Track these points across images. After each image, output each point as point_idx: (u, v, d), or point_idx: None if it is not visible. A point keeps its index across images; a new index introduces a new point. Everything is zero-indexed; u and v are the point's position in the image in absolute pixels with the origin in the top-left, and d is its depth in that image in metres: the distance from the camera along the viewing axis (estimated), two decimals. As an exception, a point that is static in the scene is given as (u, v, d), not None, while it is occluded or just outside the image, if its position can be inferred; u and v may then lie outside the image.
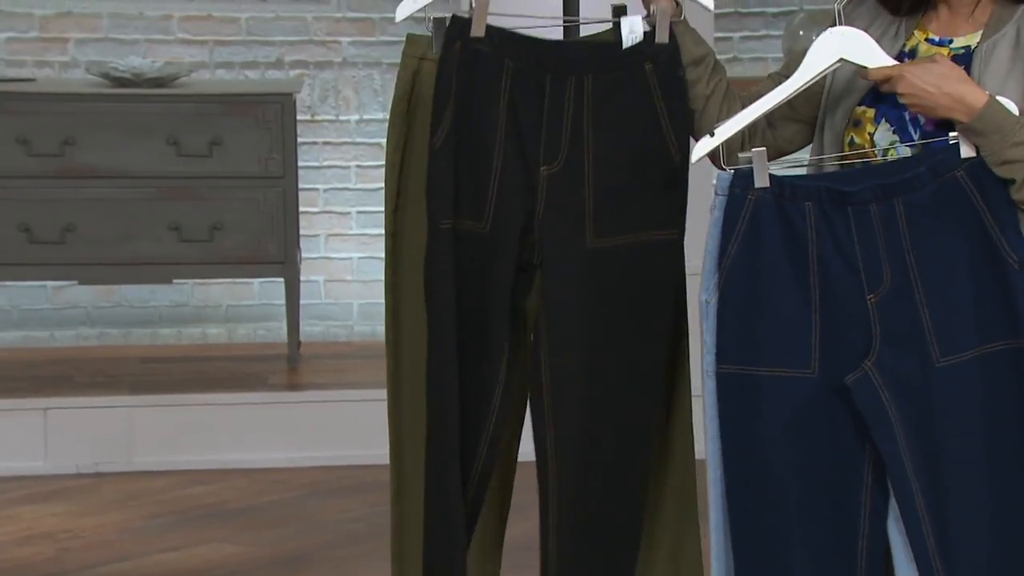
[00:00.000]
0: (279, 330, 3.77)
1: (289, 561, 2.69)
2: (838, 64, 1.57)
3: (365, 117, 3.94)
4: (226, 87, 3.71)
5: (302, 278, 3.58)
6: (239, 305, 3.91)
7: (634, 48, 1.62)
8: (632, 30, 1.62)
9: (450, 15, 1.65)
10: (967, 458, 1.51)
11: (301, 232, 3.58)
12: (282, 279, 3.50)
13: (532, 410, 1.69)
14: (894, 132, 1.59)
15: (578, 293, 1.60)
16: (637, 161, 1.61)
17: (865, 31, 1.59)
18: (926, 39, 1.63)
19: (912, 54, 1.63)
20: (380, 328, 3.90)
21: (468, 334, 1.64)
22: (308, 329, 3.78)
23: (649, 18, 1.63)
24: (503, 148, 1.61)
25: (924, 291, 1.52)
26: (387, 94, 3.84)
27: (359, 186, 3.93)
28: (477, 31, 1.62)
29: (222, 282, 3.82)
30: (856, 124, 1.63)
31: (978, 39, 1.60)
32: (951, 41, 1.62)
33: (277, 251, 3.43)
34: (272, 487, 3.10)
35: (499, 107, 1.61)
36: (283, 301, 3.55)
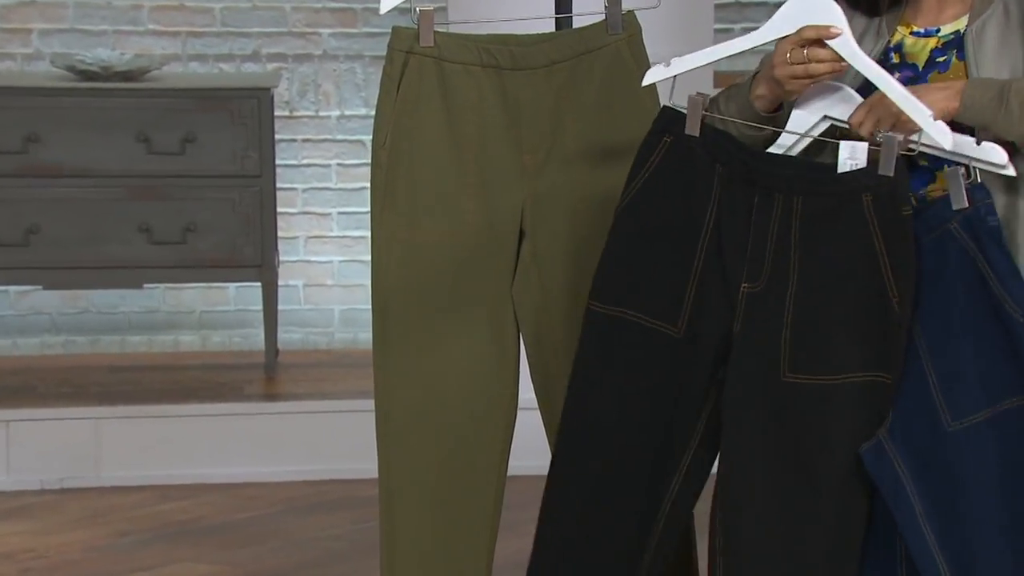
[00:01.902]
0: (256, 337, 3.77)
1: (267, 581, 2.73)
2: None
3: (347, 113, 3.95)
4: (199, 81, 3.72)
5: (280, 283, 3.58)
6: (213, 311, 3.92)
7: (852, 174, 1.58)
8: (853, 155, 1.58)
9: (431, 7, 1.66)
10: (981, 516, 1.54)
11: (279, 234, 3.58)
12: (259, 283, 3.49)
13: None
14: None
15: (762, 427, 1.57)
16: (848, 299, 1.57)
17: None
18: (911, 32, 1.69)
19: (898, 49, 1.68)
20: (362, 335, 3.96)
21: (641, 443, 1.63)
22: (286, 336, 3.79)
23: (875, 145, 1.58)
24: (703, 254, 1.61)
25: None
26: (370, 89, 3.86)
27: (340, 186, 3.94)
28: (692, 130, 1.62)
29: (195, 287, 3.83)
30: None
31: (965, 23, 1.66)
32: (938, 30, 1.68)
33: (253, 254, 3.43)
34: (248, 503, 3.10)
35: (708, 212, 1.61)
36: (260, 307, 3.56)
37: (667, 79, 1.64)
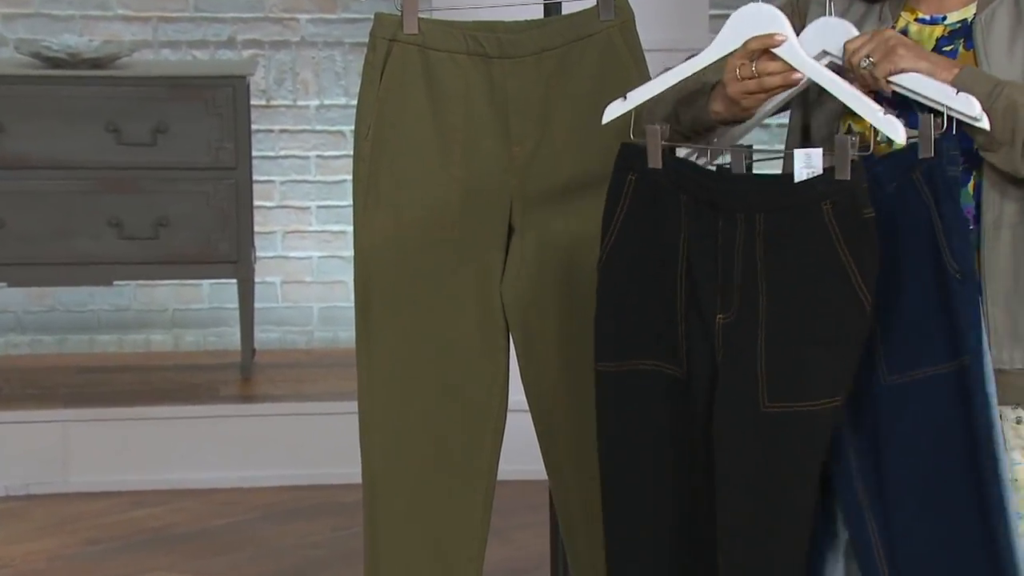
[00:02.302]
0: (231, 337, 3.76)
1: (243, 591, 2.71)
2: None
3: (326, 102, 3.93)
4: (172, 68, 3.70)
5: (257, 279, 3.58)
6: (187, 309, 3.90)
7: (809, 183, 1.56)
8: (809, 163, 1.55)
9: None
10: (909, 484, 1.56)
11: (255, 229, 3.57)
12: (234, 280, 3.49)
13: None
14: (899, 115, 1.61)
15: (748, 459, 1.57)
16: (819, 317, 1.55)
17: (842, 16, 1.63)
18: (916, 19, 1.67)
19: (903, 36, 1.65)
20: (342, 334, 3.94)
21: (680, 493, 1.63)
22: (263, 336, 3.77)
23: (829, 151, 1.56)
24: (682, 290, 1.60)
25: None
26: (350, 77, 3.84)
27: (319, 178, 3.92)
28: (654, 162, 1.60)
29: (168, 284, 3.81)
30: (854, 112, 1.66)
31: (973, 11, 1.64)
32: (944, 18, 1.66)
33: (229, 250, 3.42)
34: (224, 509, 3.09)
35: (680, 246, 1.59)
36: (235, 305, 3.54)
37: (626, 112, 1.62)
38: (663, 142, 1.60)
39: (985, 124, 1.55)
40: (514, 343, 1.83)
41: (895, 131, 1.55)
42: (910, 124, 1.59)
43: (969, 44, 1.62)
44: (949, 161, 1.56)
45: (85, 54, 3.43)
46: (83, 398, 3.35)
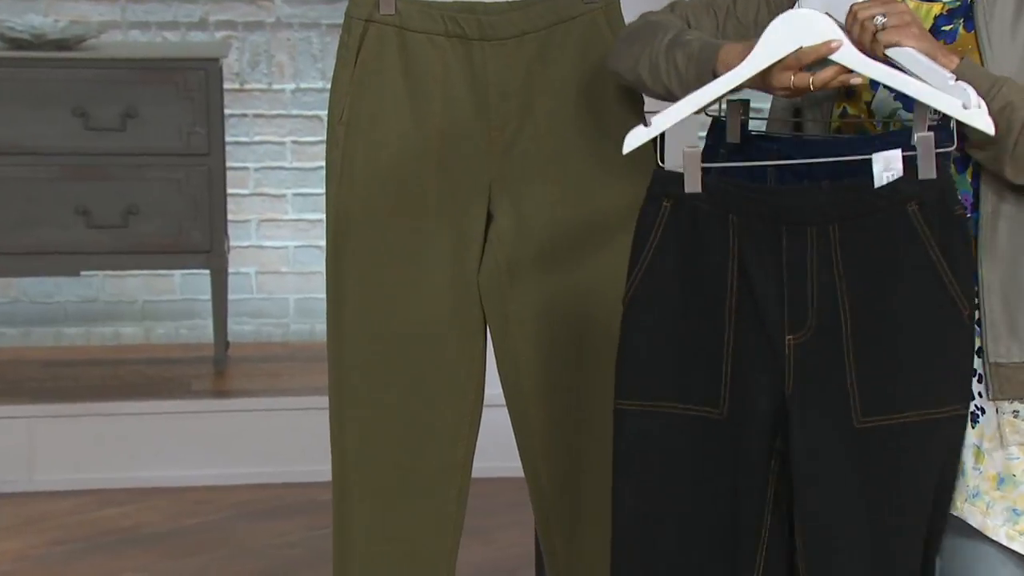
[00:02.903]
0: (204, 329, 3.75)
1: (215, 593, 2.71)
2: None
3: (302, 86, 3.92)
4: (141, 50, 3.69)
5: (230, 270, 3.57)
6: (158, 300, 3.89)
7: (892, 186, 1.52)
8: (888, 166, 1.52)
9: None
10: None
11: (229, 217, 3.57)
12: (207, 271, 3.49)
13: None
14: (895, 99, 1.61)
15: (841, 481, 1.54)
16: (914, 323, 1.53)
17: None
18: None
19: None
20: (319, 327, 3.94)
21: (709, 546, 1.58)
22: (237, 328, 3.77)
23: (909, 152, 1.52)
24: (732, 318, 1.55)
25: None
26: (326, 60, 3.83)
27: (295, 165, 3.91)
28: (692, 186, 1.55)
29: (138, 274, 3.80)
30: (848, 94, 1.65)
31: None
32: None
33: (201, 239, 3.41)
34: (196, 508, 3.08)
35: (728, 272, 1.54)
36: (208, 296, 3.54)
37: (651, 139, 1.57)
38: (702, 164, 1.55)
39: (979, 120, 1.52)
40: (490, 333, 1.83)
41: (986, 124, 1.51)
42: (908, 109, 1.59)
43: (969, 25, 1.61)
44: (951, 201, 1.52)
45: (51, 35, 3.42)
46: (49, 393, 3.34)
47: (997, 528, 1.58)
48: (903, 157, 1.52)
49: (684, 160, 1.56)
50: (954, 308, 1.53)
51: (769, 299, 1.55)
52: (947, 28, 1.64)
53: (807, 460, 1.54)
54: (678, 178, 1.56)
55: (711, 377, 1.56)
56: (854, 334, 1.53)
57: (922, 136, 1.52)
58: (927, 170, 1.52)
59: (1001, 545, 1.59)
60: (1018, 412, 1.59)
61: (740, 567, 1.57)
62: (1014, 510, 1.58)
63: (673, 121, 1.56)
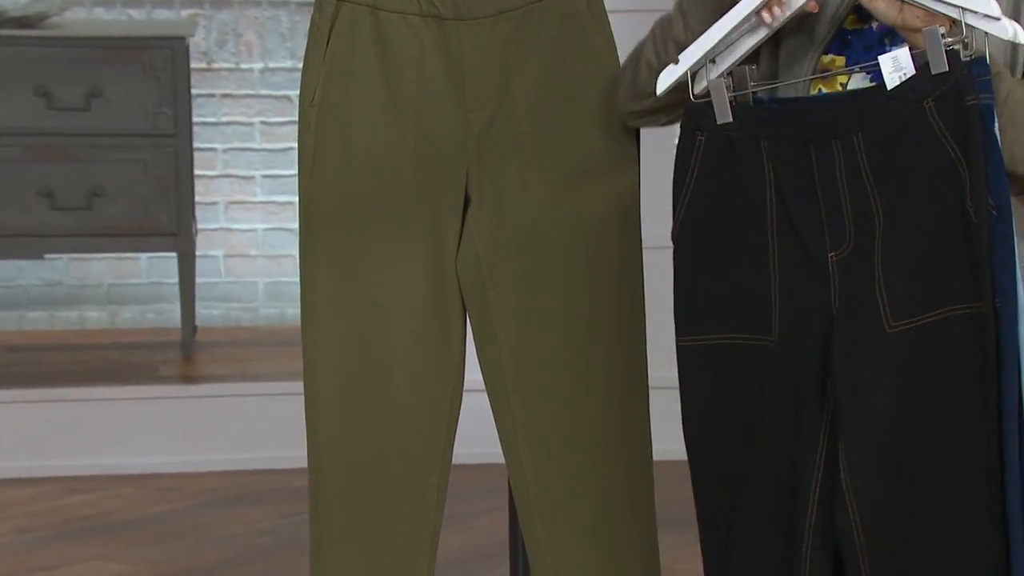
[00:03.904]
0: (171, 313, 3.74)
1: (184, 582, 2.70)
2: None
3: (271, 65, 3.90)
4: (106, 28, 3.66)
5: (198, 253, 3.56)
6: (123, 284, 3.87)
7: (906, 85, 1.51)
8: (898, 66, 1.50)
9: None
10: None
11: (196, 199, 3.56)
12: (174, 254, 3.48)
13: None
14: (871, 80, 1.61)
15: (878, 389, 1.54)
16: (933, 223, 1.52)
17: None
18: None
19: None
20: (289, 311, 3.93)
21: (776, 473, 1.59)
22: (205, 312, 3.76)
23: (918, 49, 1.51)
24: (776, 242, 1.57)
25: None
26: (296, 39, 3.81)
27: (264, 146, 3.90)
28: (723, 116, 1.58)
29: (103, 257, 3.79)
30: (824, 75, 1.66)
31: None
32: None
33: (168, 221, 3.40)
34: (164, 496, 3.08)
35: (767, 198, 1.56)
36: (175, 279, 3.53)
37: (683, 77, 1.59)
38: (729, 94, 1.57)
39: (1005, 29, 1.48)
40: (469, 319, 1.83)
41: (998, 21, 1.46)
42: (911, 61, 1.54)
43: None
44: (981, 88, 1.49)
45: (12, 12, 3.39)
46: (12, 378, 3.33)
47: None
48: (911, 55, 1.51)
49: (711, 91, 1.58)
50: (963, 205, 1.51)
51: (808, 219, 1.56)
52: None
53: (845, 372, 1.55)
54: (708, 109, 1.58)
55: (761, 305, 1.58)
56: (883, 240, 1.54)
57: (929, 31, 1.50)
58: (938, 63, 1.50)
59: None
60: None
61: (799, 489, 1.58)
62: None
63: (700, 54, 1.57)
